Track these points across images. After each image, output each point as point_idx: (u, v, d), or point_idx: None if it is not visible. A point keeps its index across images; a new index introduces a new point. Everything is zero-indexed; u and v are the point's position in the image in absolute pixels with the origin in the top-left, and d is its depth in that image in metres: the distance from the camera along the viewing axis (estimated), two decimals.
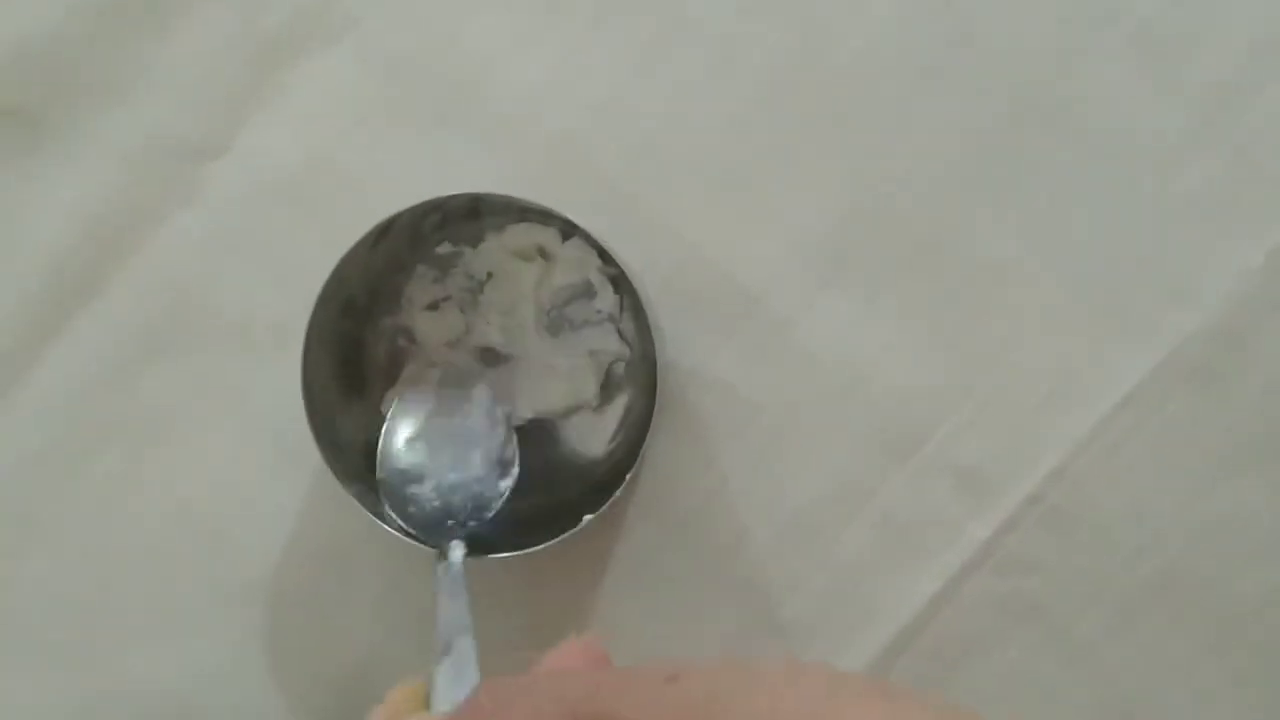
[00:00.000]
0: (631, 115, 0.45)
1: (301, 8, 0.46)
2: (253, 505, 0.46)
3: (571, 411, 0.45)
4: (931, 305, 0.44)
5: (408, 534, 0.40)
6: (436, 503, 0.41)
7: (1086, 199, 0.43)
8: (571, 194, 0.41)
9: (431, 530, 0.40)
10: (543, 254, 0.45)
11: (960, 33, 0.44)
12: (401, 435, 0.43)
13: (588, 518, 0.40)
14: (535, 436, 0.44)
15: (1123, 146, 0.43)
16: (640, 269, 0.42)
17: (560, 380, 0.44)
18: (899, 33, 0.44)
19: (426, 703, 0.35)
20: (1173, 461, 0.43)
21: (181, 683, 0.46)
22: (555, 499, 0.43)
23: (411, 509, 0.41)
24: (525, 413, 0.45)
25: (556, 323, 0.45)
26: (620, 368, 0.45)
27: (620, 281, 0.44)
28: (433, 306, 0.45)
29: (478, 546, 0.40)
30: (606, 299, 0.44)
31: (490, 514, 0.41)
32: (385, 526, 0.40)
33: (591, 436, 0.45)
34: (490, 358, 0.45)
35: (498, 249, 0.44)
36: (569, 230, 0.43)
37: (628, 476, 0.40)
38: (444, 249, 0.45)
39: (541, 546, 0.40)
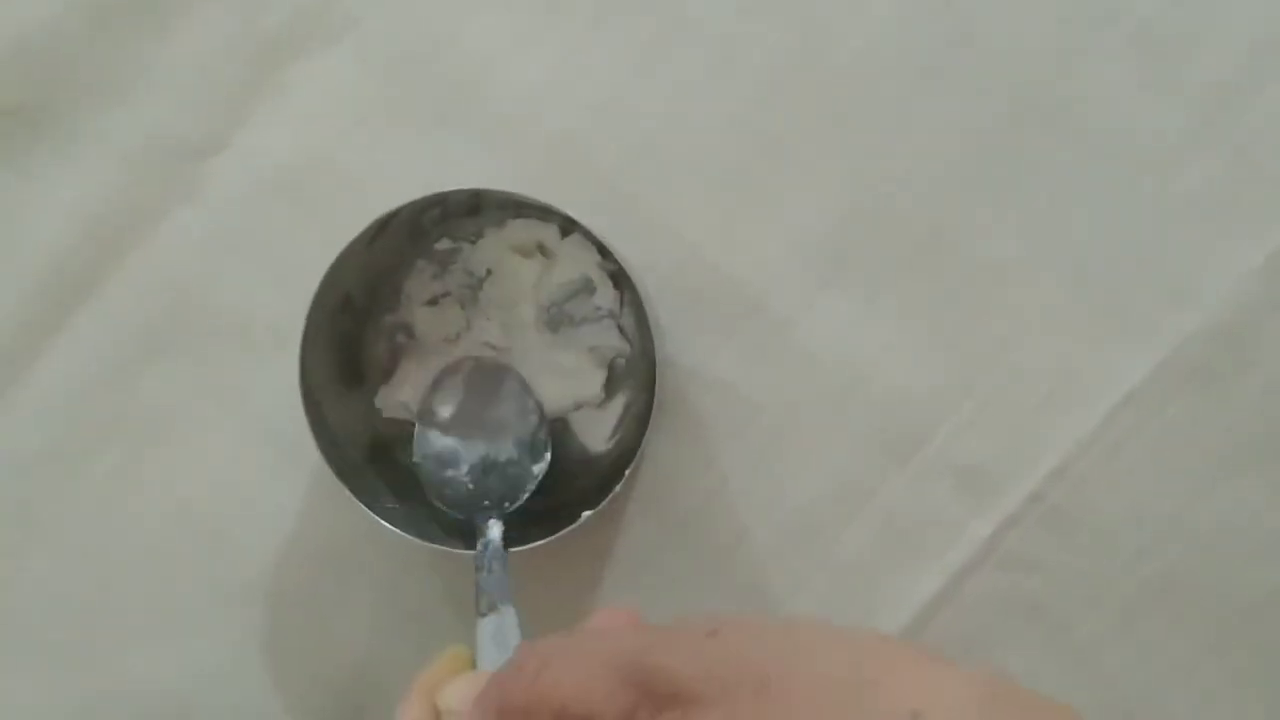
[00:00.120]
0: (631, 115, 0.45)
1: (301, 8, 0.46)
2: (252, 505, 0.46)
3: (575, 408, 0.45)
4: (931, 305, 0.44)
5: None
6: (471, 486, 0.43)
7: (1086, 199, 0.43)
8: (571, 194, 0.41)
9: (467, 512, 0.42)
10: (542, 250, 0.45)
11: (960, 33, 0.44)
12: (437, 421, 0.43)
13: (587, 513, 0.40)
14: None
15: (1123, 146, 0.43)
16: (640, 269, 0.42)
17: (564, 377, 0.45)
18: (899, 33, 0.44)
19: (473, 664, 0.37)
20: (1173, 461, 0.43)
21: (181, 683, 0.46)
22: (556, 495, 0.43)
23: (448, 491, 0.43)
24: None
25: (556, 319, 0.45)
26: (620, 364, 0.45)
27: (620, 278, 0.44)
28: (432, 302, 0.45)
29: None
30: (606, 295, 0.44)
31: (524, 496, 0.42)
32: (383, 523, 0.40)
33: (592, 432, 0.45)
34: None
35: (497, 245, 0.44)
36: (569, 227, 0.43)
37: (627, 471, 0.40)
38: (443, 245, 0.45)
39: (541, 542, 0.40)
